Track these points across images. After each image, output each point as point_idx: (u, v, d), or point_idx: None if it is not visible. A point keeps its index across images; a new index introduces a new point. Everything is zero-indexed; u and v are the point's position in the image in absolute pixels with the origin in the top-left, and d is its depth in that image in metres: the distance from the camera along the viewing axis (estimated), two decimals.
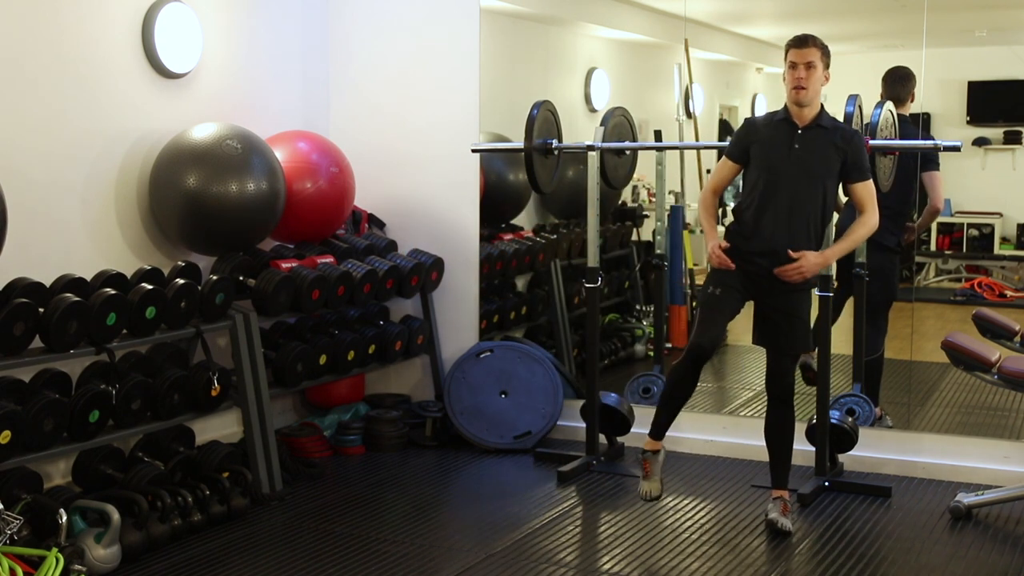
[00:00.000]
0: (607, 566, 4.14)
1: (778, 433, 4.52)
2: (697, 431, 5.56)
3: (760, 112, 7.79)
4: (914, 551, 4.25)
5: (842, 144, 4.32)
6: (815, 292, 4.90)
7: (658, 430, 4.52)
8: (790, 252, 4.27)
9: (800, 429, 5.14)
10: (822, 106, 4.37)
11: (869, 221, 4.35)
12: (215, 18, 5.41)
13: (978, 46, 6.96)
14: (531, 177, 5.43)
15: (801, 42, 4.31)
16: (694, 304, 6.91)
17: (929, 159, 5.55)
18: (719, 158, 6.92)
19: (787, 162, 4.32)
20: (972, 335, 4.87)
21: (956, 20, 6.63)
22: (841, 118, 4.71)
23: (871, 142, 4.85)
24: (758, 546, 4.32)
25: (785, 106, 4.40)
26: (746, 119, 4.62)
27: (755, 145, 4.41)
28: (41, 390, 4.17)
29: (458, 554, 4.23)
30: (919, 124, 5.64)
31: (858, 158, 4.34)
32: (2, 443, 3.77)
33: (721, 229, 4.57)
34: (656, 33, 7.27)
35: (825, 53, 4.32)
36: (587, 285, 5.34)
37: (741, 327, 7.07)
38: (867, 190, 4.35)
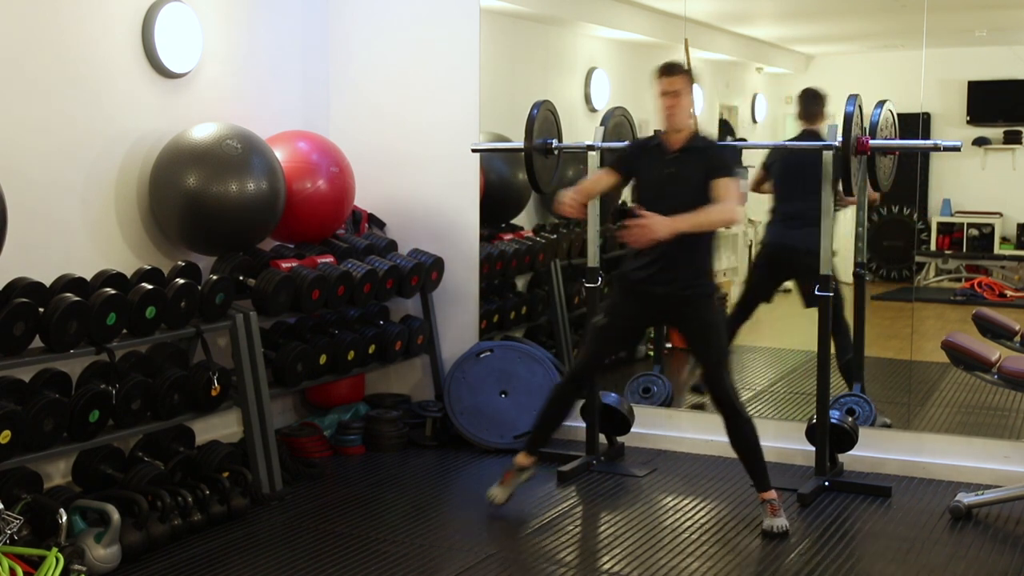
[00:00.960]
0: (607, 566, 4.14)
1: (738, 443, 4.50)
2: (697, 431, 5.56)
3: (760, 112, 7.81)
4: (914, 551, 4.25)
5: (707, 157, 4.39)
6: (816, 292, 4.91)
7: (531, 445, 4.74)
8: (639, 212, 4.25)
9: (800, 429, 5.16)
10: (695, 127, 4.48)
11: (726, 208, 4.24)
12: (215, 18, 5.41)
13: (978, 46, 6.96)
14: (531, 177, 5.43)
15: (668, 70, 4.43)
16: None
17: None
18: None
19: (662, 186, 4.41)
20: (972, 335, 4.87)
21: (956, 20, 6.63)
22: (841, 118, 4.71)
23: (871, 142, 4.85)
24: (758, 546, 4.32)
25: (658, 131, 4.52)
26: (629, 143, 4.66)
27: (635, 170, 4.55)
28: (41, 390, 4.17)
29: (458, 554, 4.23)
30: (919, 124, 5.64)
31: (719, 159, 4.37)
32: (2, 443, 3.77)
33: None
34: (656, 33, 7.27)
35: (690, 81, 4.43)
36: (587, 285, 5.34)
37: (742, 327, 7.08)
38: (726, 185, 4.28)
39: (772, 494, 4.48)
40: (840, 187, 4.91)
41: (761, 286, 6.05)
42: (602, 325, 4.59)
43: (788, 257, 5.73)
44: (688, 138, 4.44)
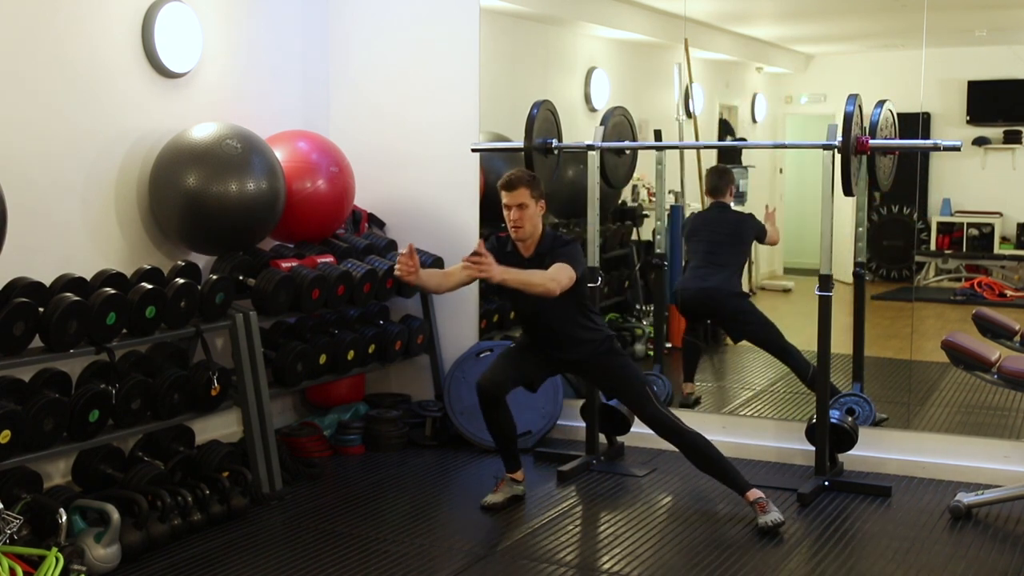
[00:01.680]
0: (607, 566, 4.14)
1: (696, 459, 4.60)
2: (697, 431, 5.54)
3: (760, 111, 7.81)
4: (914, 551, 4.25)
5: (554, 253, 4.47)
6: (816, 292, 4.91)
7: (506, 464, 4.82)
8: (479, 246, 4.31)
9: (800, 429, 5.16)
10: (544, 230, 4.57)
11: (545, 276, 4.35)
12: (215, 18, 5.41)
13: (978, 46, 6.96)
14: None
15: (510, 185, 4.50)
16: None
17: (762, 231, 6.05)
18: (719, 158, 6.99)
19: (523, 293, 4.44)
20: (972, 335, 4.87)
21: (956, 20, 6.63)
22: (841, 118, 4.71)
23: (871, 142, 4.85)
24: (758, 546, 4.32)
25: (508, 237, 4.62)
26: (494, 239, 4.71)
27: None
28: (41, 390, 4.17)
29: (458, 554, 4.23)
30: (919, 124, 5.64)
31: (563, 252, 4.46)
32: (2, 443, 3.78)
33: None
34: (656, 33, 7.27)
35: (535, 187, 4.51)
36: (587, 285, 5.33)
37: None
38: (559, 267, 4.39)
39: (756, 493, 4.50)
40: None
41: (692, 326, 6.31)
42: (513, 350, 4.79)
43: (700, 300, 5.99)
44: (538, 243, 4.55)
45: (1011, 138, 6.88)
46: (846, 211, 5.82)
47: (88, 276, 4.41)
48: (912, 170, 5.57)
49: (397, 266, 4.37)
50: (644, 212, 7.31)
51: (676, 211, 6.68)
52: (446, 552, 4.26)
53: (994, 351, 4.68)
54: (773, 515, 4.41)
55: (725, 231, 5.96)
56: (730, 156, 7.09)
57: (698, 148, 6.91)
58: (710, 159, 6.96)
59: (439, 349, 5.96)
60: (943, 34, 6.34)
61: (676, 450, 5.51)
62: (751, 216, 6.11)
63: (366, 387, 6.06)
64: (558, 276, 4.35)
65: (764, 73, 7.95)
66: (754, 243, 6.17)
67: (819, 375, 4.97)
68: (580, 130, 6.60)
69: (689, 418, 5.71)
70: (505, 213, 4.53)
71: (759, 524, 4.42)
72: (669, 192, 6.58)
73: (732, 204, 6.10)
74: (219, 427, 5.26)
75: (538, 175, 5.39)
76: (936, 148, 5.00)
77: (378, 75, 6.12)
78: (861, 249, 5.49)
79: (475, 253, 4.21)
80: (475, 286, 5.96)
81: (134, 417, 4.34)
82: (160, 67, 5.07)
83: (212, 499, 4.44)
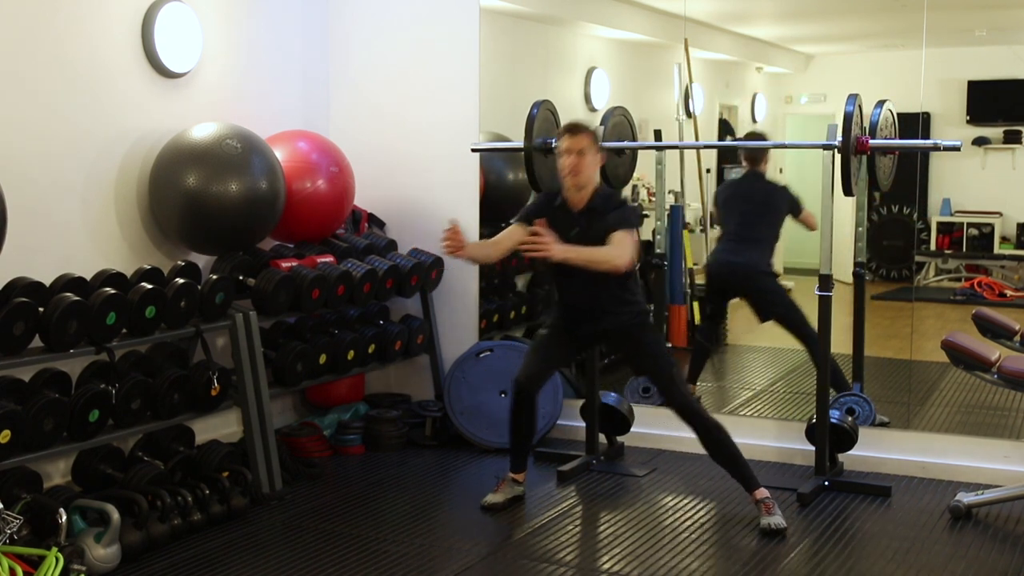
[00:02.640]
0: (607, 566, 4.14)
1: (713, 450, 4.57)
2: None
3: (760, 111, 7.81)
4: (914, 551, 4.25)
5: (608, 213, 4.43)
6: (816, 292, 4.91)
7: (513, 463, 4.79)
8: (540, 224, 4.34)
9: (800, 428, 5.16)
10: (598, 185, 4.52)
11: (611, 253, 4.33)
12: (215, 18, 5.41)
13: (978, 46, 6.96)
14: (531, 177, 5.42)
15: (574, 129, 4.46)
16: (694, 304, 6.91)
17: (796, 205, 5.95)
18: (719, 158, 6.99)
19: (571, 243, 4.41)
20: (972, 335, 4.87)
21: (956, 20, 6.63)
22: (841, 118, 4.71)
23: (871, 142, 4.85)
24: (758, 546, 4.32)
25: (563, 190, 4.54)
26: (539, 194, 4.72)
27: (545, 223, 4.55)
28: (41, 390, 4.17)
29: (458, 554, 4.23)
30: (919, 124, 5.64)
31: (619, 216, 4.42)
32: (2, 443, 3.78)
33: None
34: (656, 33, 7.27)
35: (597, 140, 4.48)
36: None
37: (741, 327, 7.11)
38: (620, 238, 4.37)
39: (763, 492, 4.49)
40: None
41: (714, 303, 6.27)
42: (544, 336, 4.73)
43: (729, 275, 5.98)
44: (590, 197, 4.49)
45: (1011, 138, 6.88)
46: (846, 211, 5.82)
47: (88, 276, 4.41)
48: (912, 170, 5.57)
49: (444, 244, 4.38)
50: (644, 212, 7.30)
51: (676, 211, 6.68)
52: (446, 552, 4.26)
53: (994, 351, 4.68)
54: (776, 519, 4.41)
55: (758, 200, 5.90)
56: (730, 156, 7.09)
57: (698, 148, 6.90)
58: (710, 159, 6.96)
59: (439, 349, 5.96)
60: (943, 34, 6.34)
61: (676, 450, 5.54)
62: (786, 188, 6.03)
63: (366, 387, 6.06)
64: (624, 250, 4.31)
65: (764, 73, 7.95)
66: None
67: (820, 375, 4.97)
68: None
69: None
70: (562, 160, 4.46)
71: (761, 524, 4.42)
72: (669, 192, 6.57)
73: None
74: (219, 427, 5.26)
75: (539, 175, 5.42)
76: (936, 148, 5.00)
77: (378, 75, 6.12)
78: (861, 249, 5.50)
79: (532, 232, 4.15)
80: (475, 286, 5.96)
81: (134, 417, 4.34)
82: (160, 67, 5.07)
83: (212, 499, 4.44)
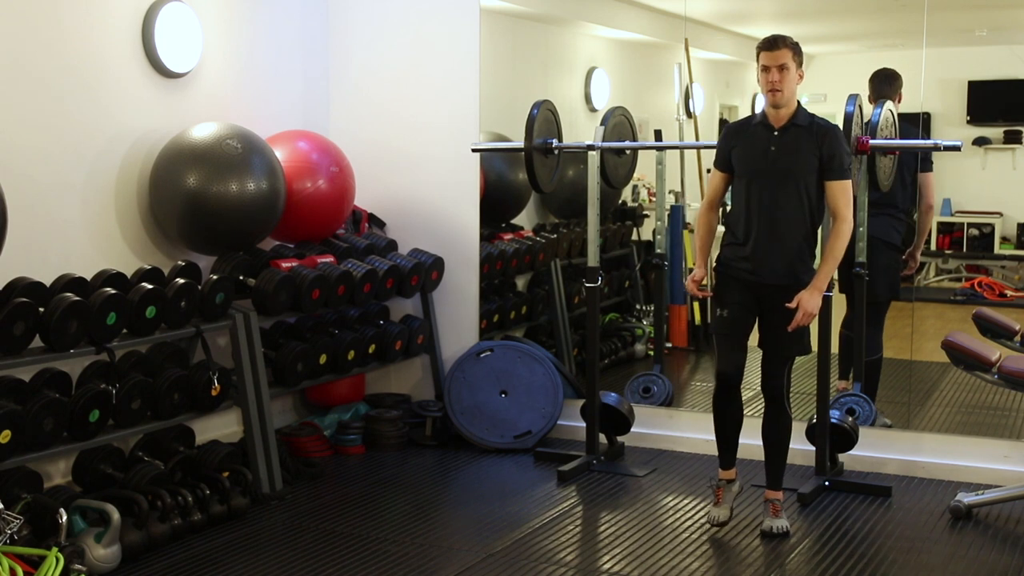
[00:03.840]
0: (607, 566, 4.14)
1: (771, 433, 4.50)
2: (697, 431, 5.55)
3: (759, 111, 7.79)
4: (914, 551, 4.25)
5: (818, 140, 4.25)
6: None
7: (722, 460, 4.60)
8: (787, 305, 4.24)
9: (800, 428, 5.15)
10: (799, 104, 4.32)
11: (843, 231, 4.22)
12: (215, 18, 5.41)
13: (978, 46, 6.95)
14: (531, 177, 5.43)
15: (772, 44, 4.24)
16: (695, 303, 6.91)
17: (926, 160, 5.58)
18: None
19: (767, 165, 4.29)
20: (972, 335, 4.87)
21: (956, 20, 6.62)
22: (841, 118, 4.71)
23: (871, 142, 4.84)
24: (758, 546, 4.32)
25: (762, 109, 4.37)
26: (726, 125, 4.56)
27: (735, 151, 4.39)
28: (41, 390, 4.17)
29: (458, 554, 4.23)
30: (919, 124, 5.65)
31: (834, 152, 4.24)
32: (2, 443, 3.77)
33: (721, 229, 4.58)
34: (656, 33, 7.27)
35: (797, 52, 4.26)
36: (587, 284, 5.34)
37: None
38: (843, 190, 4.24)
39: (779, 495, 4.48)
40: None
41: None
42: (727, 316, 4.41)
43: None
44: (793, 115, 4.28)
45: (1011, 138, 6.87)
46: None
47: (88, 276, 4.41)
48: (912, 170, 5.58)
49: (697, 293, 4.41)
50: (644, 212, 7.31)
51: (676, 211, 6.68)
52: (446, 552, 4.26)
53: (994, 351, 4.69)
54: (781, 522, 4.40)
55: None
56: None
57: (698, 148, 6.90)
58: (710, 159, 6.95)
59: (439, 349, 5.96)
60: (943, 34, 6.34)
61: (676, 450, 5.54)
62: None
63: (366, 387, 6.06)
64: (848, 211, 4.20)
65: None
66: None
67: (820, 375, 4.97)
68: (580, 130, 6.60)
69: (689, 417, 5.73)
70: (763, 76, 4.23)
71: (764, 525, 4.42)
72: (669, 192, 6.58)
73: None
74: (219, 427, 5.26)
75: (539, 175, 5.42)
76: (936, 148, 5.00)
77: (378, 75, 6.12)
78: (861, 249, 5.49)
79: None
80: (475, 286, 5.96)
81: (134, 417, 4.34)
82: (160, 67, 5.07)
83: (212, 499, 4.44)
